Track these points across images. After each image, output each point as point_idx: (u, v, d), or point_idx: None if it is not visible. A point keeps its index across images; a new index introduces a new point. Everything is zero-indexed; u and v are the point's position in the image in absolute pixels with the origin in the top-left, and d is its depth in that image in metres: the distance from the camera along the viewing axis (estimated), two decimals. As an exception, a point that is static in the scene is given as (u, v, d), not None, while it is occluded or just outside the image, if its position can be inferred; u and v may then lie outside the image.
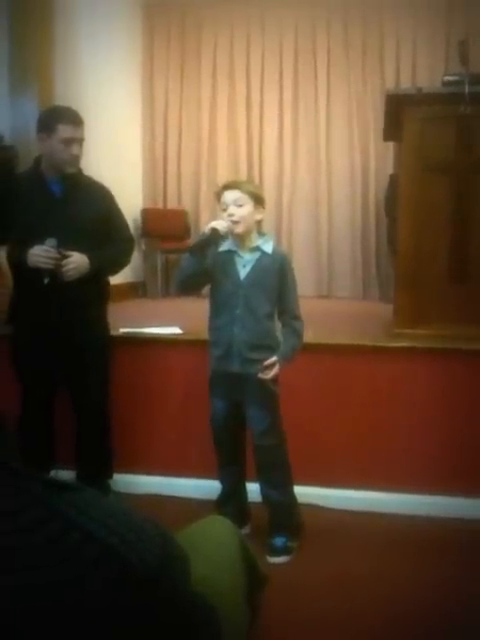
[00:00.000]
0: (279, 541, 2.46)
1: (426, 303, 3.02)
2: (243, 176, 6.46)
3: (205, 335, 2.54)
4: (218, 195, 2.44)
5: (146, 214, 6.34)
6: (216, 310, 2.47)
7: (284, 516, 2.52)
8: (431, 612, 2.08)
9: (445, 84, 3.11)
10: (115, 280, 2.94)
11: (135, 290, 5.97)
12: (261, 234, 2.49)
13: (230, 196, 2.39)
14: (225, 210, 2.39)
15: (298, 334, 2.47)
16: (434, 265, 3.02)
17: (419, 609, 2.10)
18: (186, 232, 6.43)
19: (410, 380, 2.90)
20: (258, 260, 2.42)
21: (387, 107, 3.16)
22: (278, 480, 2.51)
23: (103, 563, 0.72)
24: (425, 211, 3.00)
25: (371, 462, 2.92)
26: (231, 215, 2.36)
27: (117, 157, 5.58)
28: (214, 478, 2.66)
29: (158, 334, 3.16)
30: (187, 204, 6.60)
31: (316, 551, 2.49)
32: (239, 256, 2.43)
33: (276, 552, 2.44)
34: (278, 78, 6.43)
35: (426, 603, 2.13)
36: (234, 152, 6.55)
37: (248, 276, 2.41)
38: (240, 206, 2.37)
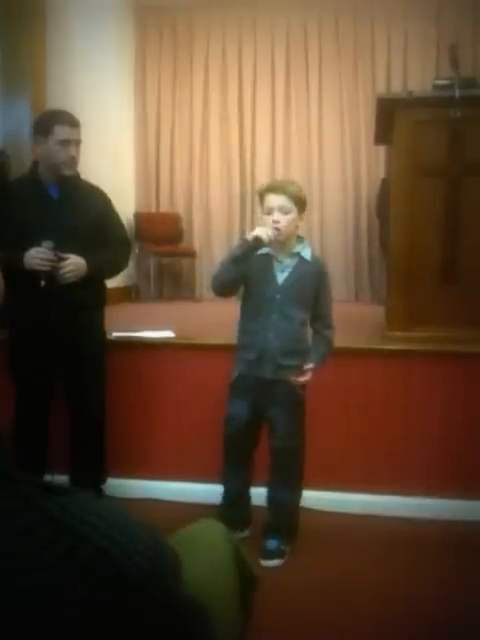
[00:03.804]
0: (272, 544, 2.45)
1: (418, 305, 3.03)
2: (235, 179, 6.48)
3: (198, 338, 2.54)
4: (261, 196, 2.38)
5: (139, 218, 6.33)
6: (249, 314, 2.43)
7: (285, 518, 2.51)
8: (430, 616, 2.06)
9: (436, 88, 3.14)
10: (108, 284, 2.94)
11: (128, 294, 5.96)
12: (299, 239, 2.46)
13: (276, 201, 2.33)
14: (269, 214, 2.34)
15: (329, 343, 2.48)
16: (426, 267, 3.03)
17: (417, 613, 2.08)
18: (179, 235, 6.44)
19: (405, 382, 2.91)
20: (297, 266, 2.40)
21: (378, 111, 3.18)
22: (291, 482, 2.50)
23: (95, 566, 0.72)
24: (417, 214, 3.01)
25: (367, 464, 2.92)
26: (276, 222, 2.31)
27: (110, 161, 5.58)
28: (208, 482, 2.65)
29: (151, 338, 3.16)
30: (180, 207, 6.60)
31: (312, 555, 2.47)
32: (278, 261, 2.40)
33: (269, 555, 2.42)
34: (270, 82, 6.45)
35: (424, 606, 2.11)
36: (226, 155, 6.56)
37: (286, 281, 2.38)
38: (286, 214, 2.32)
